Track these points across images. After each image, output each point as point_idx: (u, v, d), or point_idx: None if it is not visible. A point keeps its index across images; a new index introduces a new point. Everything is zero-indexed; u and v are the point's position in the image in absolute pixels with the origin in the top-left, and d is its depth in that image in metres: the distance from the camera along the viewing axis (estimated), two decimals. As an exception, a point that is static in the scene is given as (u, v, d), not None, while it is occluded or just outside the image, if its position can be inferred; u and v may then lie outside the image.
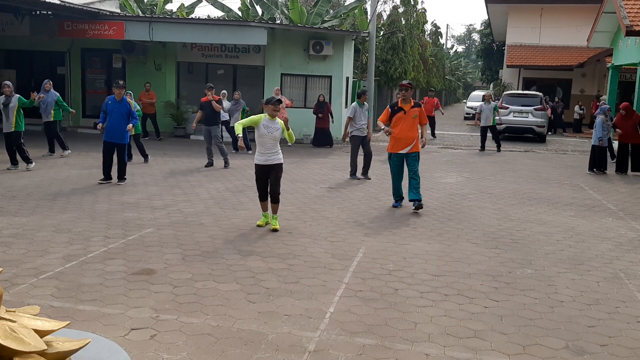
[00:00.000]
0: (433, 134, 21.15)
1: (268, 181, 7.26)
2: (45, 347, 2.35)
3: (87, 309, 4.57)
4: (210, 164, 12.39)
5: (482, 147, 17.36)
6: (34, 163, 11.25)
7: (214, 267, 5.71)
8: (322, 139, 17.11)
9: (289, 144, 6.94)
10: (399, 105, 8.58)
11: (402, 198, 8.92)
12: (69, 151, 13.23)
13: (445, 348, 4.11)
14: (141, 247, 6.31)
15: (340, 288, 5.24)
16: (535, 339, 4.31)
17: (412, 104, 8.56)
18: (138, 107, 12.59)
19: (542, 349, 4.15)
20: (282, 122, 7.25)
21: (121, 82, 10.19)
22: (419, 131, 8.66)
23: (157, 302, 4.74)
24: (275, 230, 7.12)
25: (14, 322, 2.40)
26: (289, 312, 4.62)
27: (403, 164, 8.71)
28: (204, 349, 3.95)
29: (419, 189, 8.54)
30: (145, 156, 12.79)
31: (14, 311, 2.55)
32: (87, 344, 2.53)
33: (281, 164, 7.28)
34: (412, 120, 8.51)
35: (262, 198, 7.38)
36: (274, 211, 7.31)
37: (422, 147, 8.72)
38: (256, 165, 7.24)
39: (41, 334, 2.43)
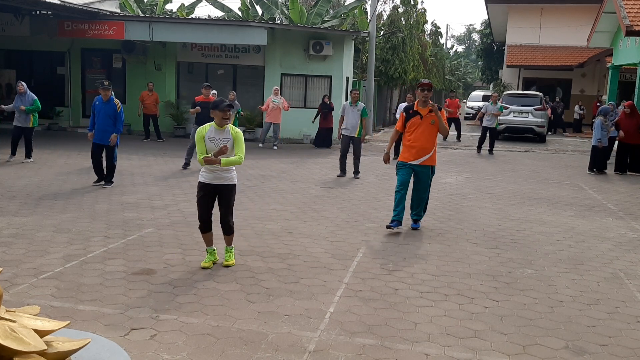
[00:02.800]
0: (459, 137, 20.72)
1: (212, 207, 5.73)
2: (45, 347, 2.35)
3: (87, 309, 4.57)
4: (187, 165, 11.99)
5: (479, 149, 17.07)
6: None
7: (214, 267, 5.71)
8: (325, 139, 17.03)
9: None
10: (415, 108, 7.30)
11: (400, 222, 7.31)
12: (32, 160, 12.11)
13: (445, 348, 4.11)
14: (141, 247, 6.31)
15: (340, 288, 5.24)
16: (535, 339, 4.31)
17: (430, 107, 7.24)
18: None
19: (542, 349, 4.15)
20: (236, 131, 5.58)
21: (106, 83, 9.80)
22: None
23: (157, 302, 4.74)
24: (229, 266, 5.70)
25: (14, 322, 2.40)
26: (289, 312, 4.62)
27: (411, 176, 7.36)
28: (204, 349, 3.95)
29: (422, 213, 7.52)
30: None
31: (14, 311, 2.54)
32: (87, 344, 2.53)
33: (233, 185, 5.71)
34: (430, 128, 7.20)
35: (204, 228, 5.71)
36: (228, 242, 5.83)
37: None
38: (199, 183, 5.67)
39: (41, 334, 2.43)
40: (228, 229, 5.74)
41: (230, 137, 5.52)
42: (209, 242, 5.79)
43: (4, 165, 11.41)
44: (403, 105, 16.73)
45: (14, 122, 11.89)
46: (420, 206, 7.47)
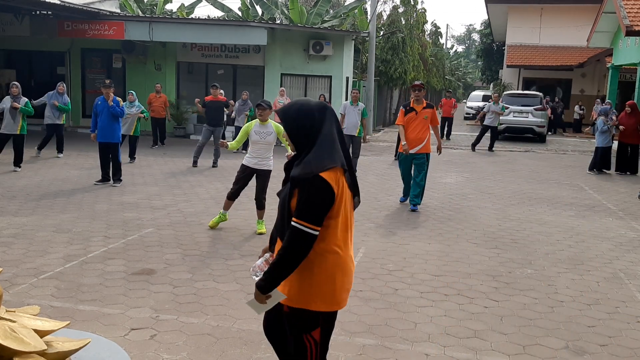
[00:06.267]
0: (448, 136, 21.10)
1: (246, 185, 7.09)
2: (45, 347, 2.35)
3: (87, 309, 4.57)
4: (214, 164, 12.21)
5: (474, 147, 17.49)
6: None
7: (214, 267, 5.71)
8: None
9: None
10: (411, 105, 8.69)
11: (407, 197, 9.07)
12: (62, 155, 12.94)
13: (445, 348, 4.11)
14: (141, 247, 6.31)
15: (340, 288, 5.23)
16: (535, 339, 4.31)
17: (425, 104, 8.66)
18: (142, 107, 12.33)
19: (542, 349, 4.15)
20: (278, 126, 6.79)
21: (107, 82, 9.94)
22: (431, 133, 8.85)
23: (157, 302, 4.74)
24: (262, 234, 6.91)
25: (14, 322, 2.41)
26: (289, 312, 4.62)
27: (411, 167, 8.82)
28: (204, 349, 3.95)
29: (420, 197, 8.70)
30: (132, 157, 12.60)
31: (14, 311, 2.55)
32: (87, 344, 2.53)
33: (269, 170, 7.05)
34: (423, 122, 8.61)
35: (232, 197, 7.12)
36: (260, 216, 7.14)
37: (439, 153, 9.21)
38: (243, 165, 7.02)
39: (41, 334, 2.43)
40: (260, 205, 7.04)
41: (272, 131, 6.80)
42: (227, 207, 7.14)
43: (4, 165, 11.41)
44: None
45: (44, 120, 12.70)
46: (417, 190, 8.61)
